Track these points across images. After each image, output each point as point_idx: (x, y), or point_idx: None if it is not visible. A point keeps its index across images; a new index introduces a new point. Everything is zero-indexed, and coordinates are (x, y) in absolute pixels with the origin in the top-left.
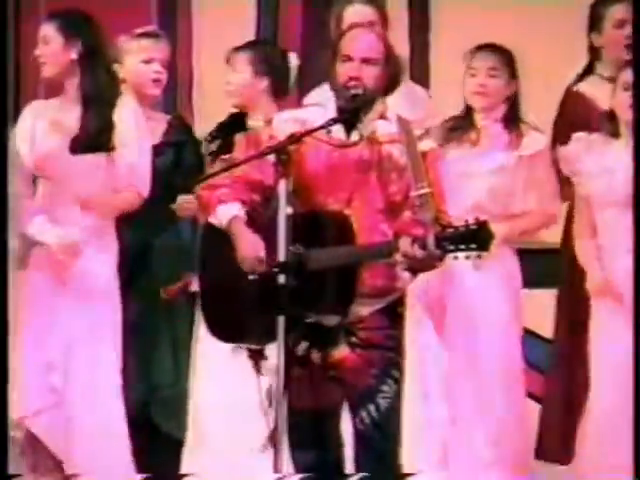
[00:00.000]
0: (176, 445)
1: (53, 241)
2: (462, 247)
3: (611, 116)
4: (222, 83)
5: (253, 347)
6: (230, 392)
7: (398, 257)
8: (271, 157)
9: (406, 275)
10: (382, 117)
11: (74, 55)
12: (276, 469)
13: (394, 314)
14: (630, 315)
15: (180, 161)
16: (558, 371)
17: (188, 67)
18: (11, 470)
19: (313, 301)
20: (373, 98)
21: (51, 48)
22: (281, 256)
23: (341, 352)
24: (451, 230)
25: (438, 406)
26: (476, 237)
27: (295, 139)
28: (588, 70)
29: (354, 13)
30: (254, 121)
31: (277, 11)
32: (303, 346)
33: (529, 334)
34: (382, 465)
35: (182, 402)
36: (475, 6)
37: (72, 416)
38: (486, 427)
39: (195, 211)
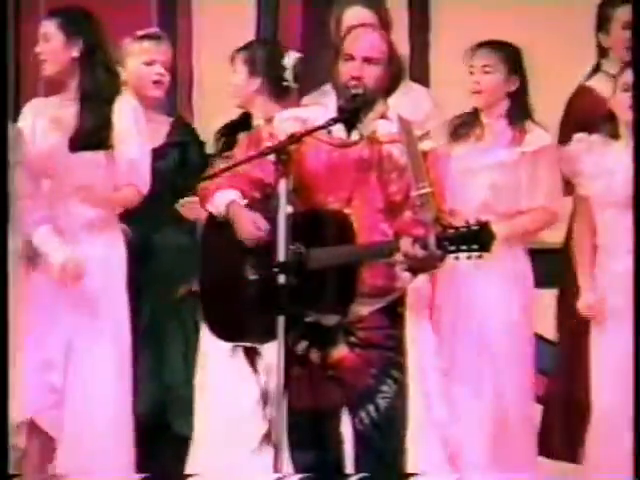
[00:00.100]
0: (184, 444)
1: (58, 261)
2: (463, 247)
3: (611, 117)
4: (222, 83)
5: (248, 345)
6: (230, 391)
7: (399, 257)
8: (271, 156)
9: (406, 275)
10: (383, 117)
11: (75, 53)
12: (276, 469)
13: (394, 314)
14: (630, 316)
15: (184, 162)
16: (560, 372)
17: (188, 67)
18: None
19: (313, 300)
20: (374, 98)
21: (52, 46)
22: (281, 255)
23: (340, 352)
24: (452, 230)
25: (439, 406)
26: (477, 237)
27: (295, 139)
28: (596, 69)
29: (353, 16)
30: (258, 120)
31: (277, 11)
32: (302, 345)
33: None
34: (382, 465)
35: (192, 401)
36: (475, 6)
37: (72, 416)
38: (493, 427)
39: (200, 212)
